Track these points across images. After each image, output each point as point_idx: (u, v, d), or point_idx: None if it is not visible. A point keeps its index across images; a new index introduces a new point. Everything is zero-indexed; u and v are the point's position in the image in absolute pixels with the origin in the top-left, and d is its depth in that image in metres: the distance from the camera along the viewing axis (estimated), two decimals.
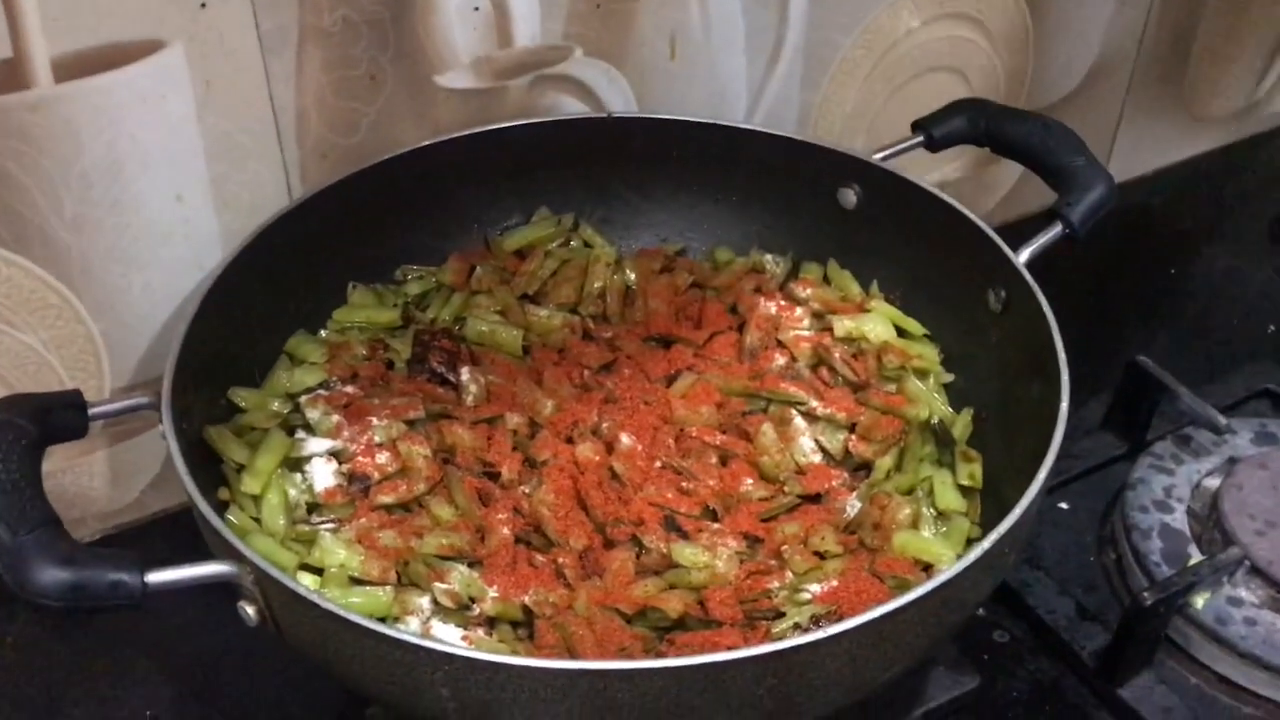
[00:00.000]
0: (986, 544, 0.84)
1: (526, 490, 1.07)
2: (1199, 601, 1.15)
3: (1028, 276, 1.08)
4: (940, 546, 1.01)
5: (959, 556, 1.00)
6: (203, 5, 1.03)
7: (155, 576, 0.81)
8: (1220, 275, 1.71)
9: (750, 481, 1.10)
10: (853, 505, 1.08)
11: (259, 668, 1.14)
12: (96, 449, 1.22)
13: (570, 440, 1.12)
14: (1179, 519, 1.24)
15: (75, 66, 1.02)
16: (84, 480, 1.23)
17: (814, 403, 1.15)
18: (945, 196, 1.17)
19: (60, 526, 0.82)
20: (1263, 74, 1.88)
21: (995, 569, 0.88)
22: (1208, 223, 1.80)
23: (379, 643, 0.79)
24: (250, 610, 0.85)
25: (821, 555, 1.03)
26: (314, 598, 0.80)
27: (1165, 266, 1.72)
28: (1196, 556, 1.19)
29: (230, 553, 0.84)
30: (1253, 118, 1.92)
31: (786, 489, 1.10)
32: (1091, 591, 1.24)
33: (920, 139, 1.25)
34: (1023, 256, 1.10)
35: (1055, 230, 1.13)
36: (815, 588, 0.97)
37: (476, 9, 1.20)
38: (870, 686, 0.86)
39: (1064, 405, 0.95)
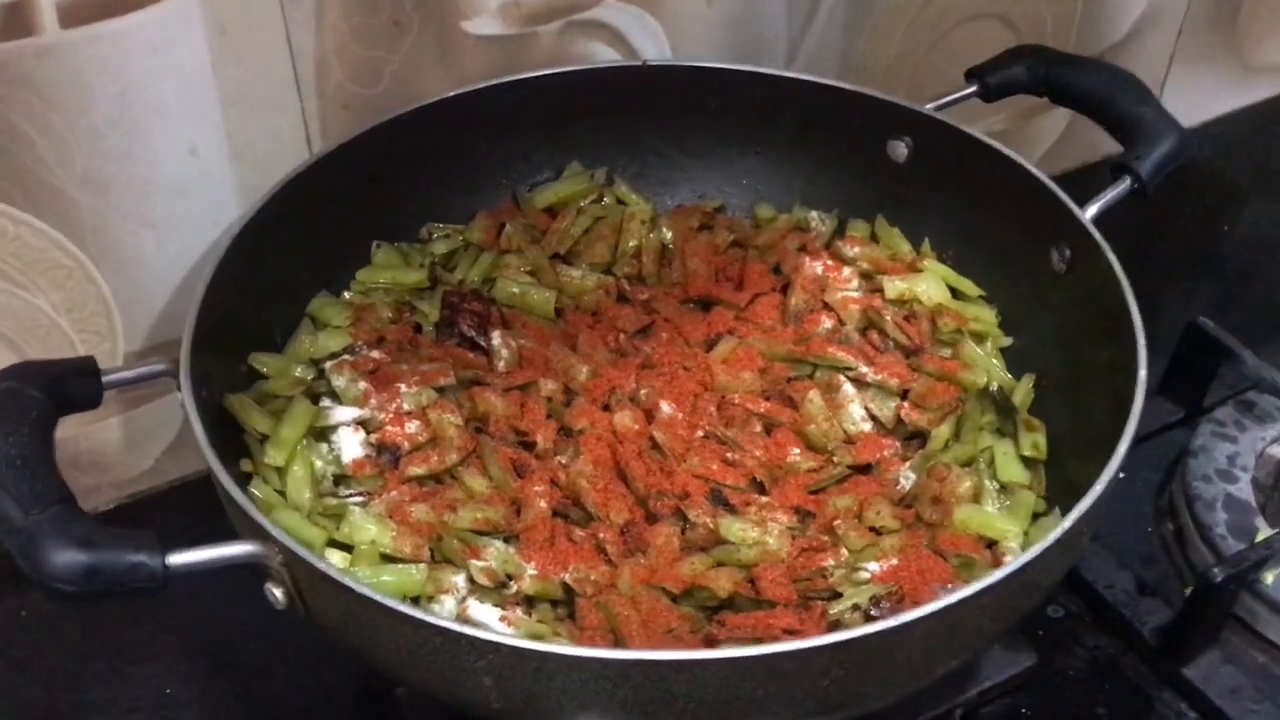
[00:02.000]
0: (1067, 523, 0.79)
1: (563, 461, 1.03)
2: (1269, 577, 1.10)
3: (1096, 234, 1.02)
4: (1005, 522, 0.96)
5: (1025, 532, 0.95)
6: None
7: (177, 558, 0.76)
8: (1276, 231, 1.63)
9: (797, 451, 1.06)
10: (907, 477, 1.04)
11: (280, 643, 1.10)
12: (111, 414, 1.18)
13: (607, 408, 1.07)
14: (1244, 489, 1.18)
15: (83, 11, 0.97)
16: (98, 446, 1.19)
17: (863, 368, 1.10)
18: (1005, 149, 1.11)
19: (75, 504, 0.77)
20: None
21: (1072, 550, 0.83)
22: (1261, 176, 1.72)
23: (417, 629, 0.74)
24: (278, 593, 0.80)
25: (877, 531, 0.98)
26: (347, 580, 0.75)
27: (1217, 222, 1.65)
28: (1264, 529, 1.14)
29: (256, 532, 0.79)
30: None
31: (835, 459, 1.05)
32: (1151, 565, 1.19)
33: (974, 88, 1.19)
34: (1089, 213, 1.04)
35: (1123, 185, 1.07)
36: (874, 566, 0.92)
37: None
38: (936, 674, 0.81)
39: (1142, 374, 0.89)
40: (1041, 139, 1.66)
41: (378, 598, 0.74)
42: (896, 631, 0.72)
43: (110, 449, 1.20)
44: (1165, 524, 1.22)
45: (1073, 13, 1.56)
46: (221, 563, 0.78)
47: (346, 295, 1.15)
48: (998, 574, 0.75)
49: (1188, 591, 1.13)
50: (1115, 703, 1.07)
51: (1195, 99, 1.77)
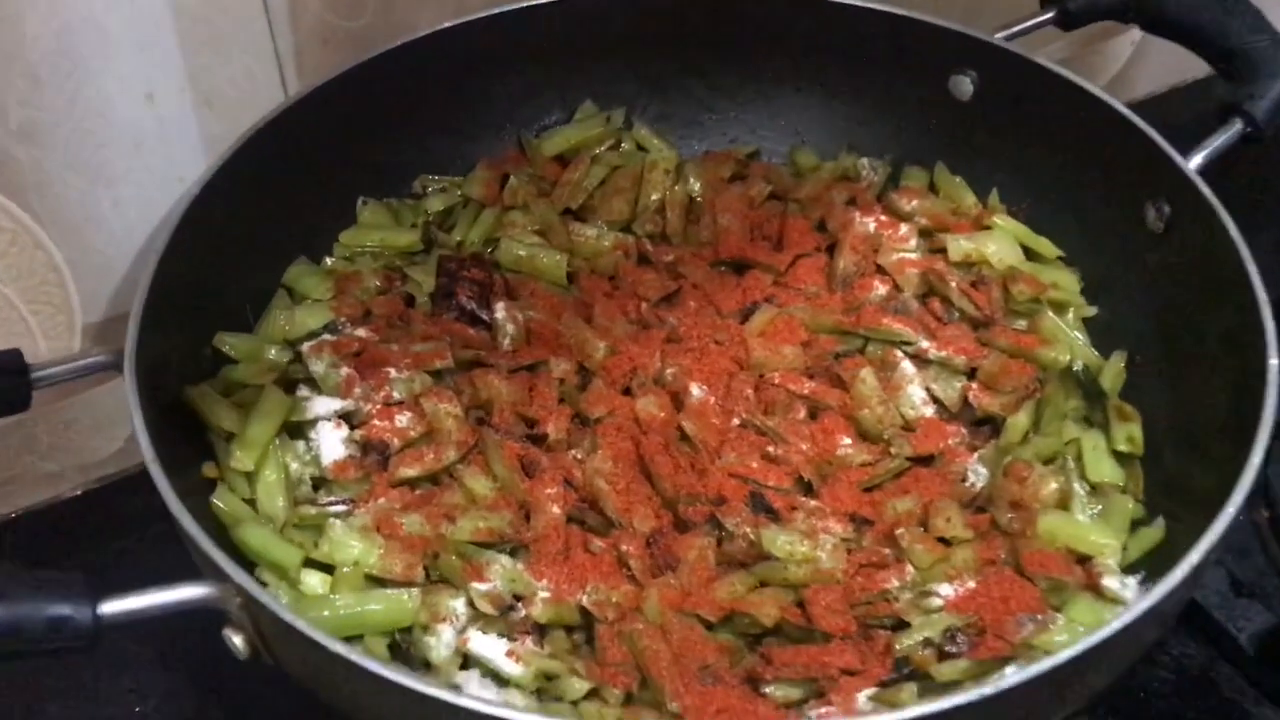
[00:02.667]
0: (1195, 556, 0.66)
1: (578, 455, 0.92)
2: None
3: (1204, 188, 0.91)
4: (1100, 534, 0.84)
5: (1123, 546, 0.82)
6: None
7: (112, 607, 0.64)
8: None
9: (848, 442, 0.94)
10: (976, 471, 0.92)
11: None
12: (74, 392, 1.08)
13: (628, 391, 0.96)
14: None
15: None
16: (59, 429, 1.10)
17: (924, 342, 0.99)
18: (1091, 87, 0.99)
19: None
20: None
21: (1198, 581, 0.70)
22: None
23: (409, 699, 0.62)
24: (238, 640, 0.69)
25: (946, 541, 0.86)
26: (322, 638, 0.63)
27: None
28: None
29: (211, 569, 0.66)
30: None
31: (893, 449, 0.94)
32: (1246, 560, 1.06)
33: (1051, 15, 1.07)
34: (1194, 162, 0.92)
35: (1234, 129, 0.95)
36: (946, 589, 0.81)
37: None
38: None
39: (1274, 360, 0.76)
40: (1105, 68, 1.52)
41: (360, 661, 0.62)
42: (996, 699, 0.60)
43: (73, 431, 1.11)
44: (1260, 509, 1.09)
45: None
46: (169, 609, 0.66)
47: (328, 262, 1.05)
48: (1117, 622, 0.63)
49: None
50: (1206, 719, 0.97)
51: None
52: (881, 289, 1.03)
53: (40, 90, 0.93)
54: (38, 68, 0.92)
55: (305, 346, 0.95)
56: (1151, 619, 0.65)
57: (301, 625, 0.63)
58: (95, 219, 1.01)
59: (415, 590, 0.81)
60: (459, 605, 0.81)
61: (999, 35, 1.05)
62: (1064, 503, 0.87)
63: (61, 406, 1.08)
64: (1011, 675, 0.60)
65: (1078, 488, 0.88)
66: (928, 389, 0.97)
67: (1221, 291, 0.86)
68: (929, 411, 0.96)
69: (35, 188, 0.97)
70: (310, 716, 0.96)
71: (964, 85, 1.07)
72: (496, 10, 1.07)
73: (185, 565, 0.74)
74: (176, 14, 0.96)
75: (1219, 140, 0.94)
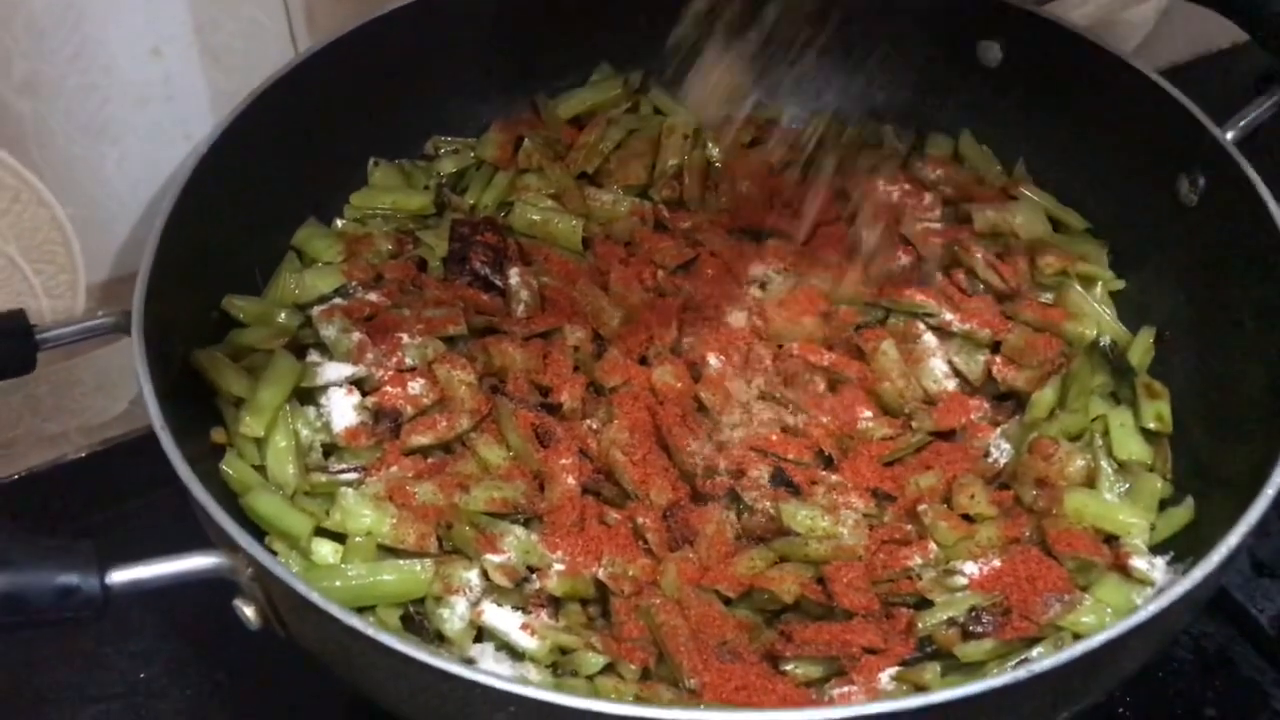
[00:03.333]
0: (1233, 539, 0.64)
1: (593, 425, 0.90)
2: None
3: (1242, 161, 0.88)
4: (1128, 513, 0.82)
5: (1152, 525, 0.80)
6: None
7: (120, 576, 0.63)
8: None
9: (868, 414, 0.93)
10: (999, 446, 0.90)
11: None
12: (78, 353, 1.06)
13: (644, 361, 0.94)
14: None
15: None
16: (62, 389, 1.08)
17: (947, 314, 0.97)
18: (1123, 53, 0.97)
19: None
20: None
21: (1233, 565, 0.68)
22: None
23: (423, 672, 0.61)
24: (249, 611, 0.67)
25: (970, 518, 0.84)
26: (334, 610, 0.62)
27: None
28: None
29: (222, 538, 0.65)
30: None
31: (914, 423, 0.92)
32: (1265, 538, 1.05)
33: None
34: (1231, 133, 0.90)
35: (1273, 99, 0.93)
36: (970, 568, 0.79)
37: None
38: (1063, 717, 0.67)
39: None
40: (1129, 35, 1.49)
41: (372, 633, 0.61)
42: (1028, 683, 0.58)
43: (77, 392, 1.09)
44: None
45: None
46: (178, 579, 0.64)
47: (339, 224, 1.03)
48: (1153, 606, 0.62)
49: None
50: (1226, 701, 0.96)
51: None
52: (904, 259, 1.01)
53: (43, 42, 0.91)
54: (41, 19, 0.90)
55: (316, 311, 0.94)
56: (1186, 603, 0.63)
57: (316, 598, 0.61)
58: (99, 176, 1.00)
59: (428, 561, 0.79)
60: (473, 577, 0.79)
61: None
62: (1090, 481, 0.85)
63: (65, 367, 1.06)
64: (1044, 659, 0.59)
65: (1105, 465, 0.86)
66: (950, 362, 0.95)
67: (1257, 266, 0.84)
68: (951, 385, 0.94)
69: (38, 143, 0.95)
70: (313, 682, 0.95)
71: (992, 51, 1.05)
72: None
73: (192, 530, 0.73)
74: None
75: (1255, 111, 0.91)
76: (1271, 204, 0.84)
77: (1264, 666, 0.97)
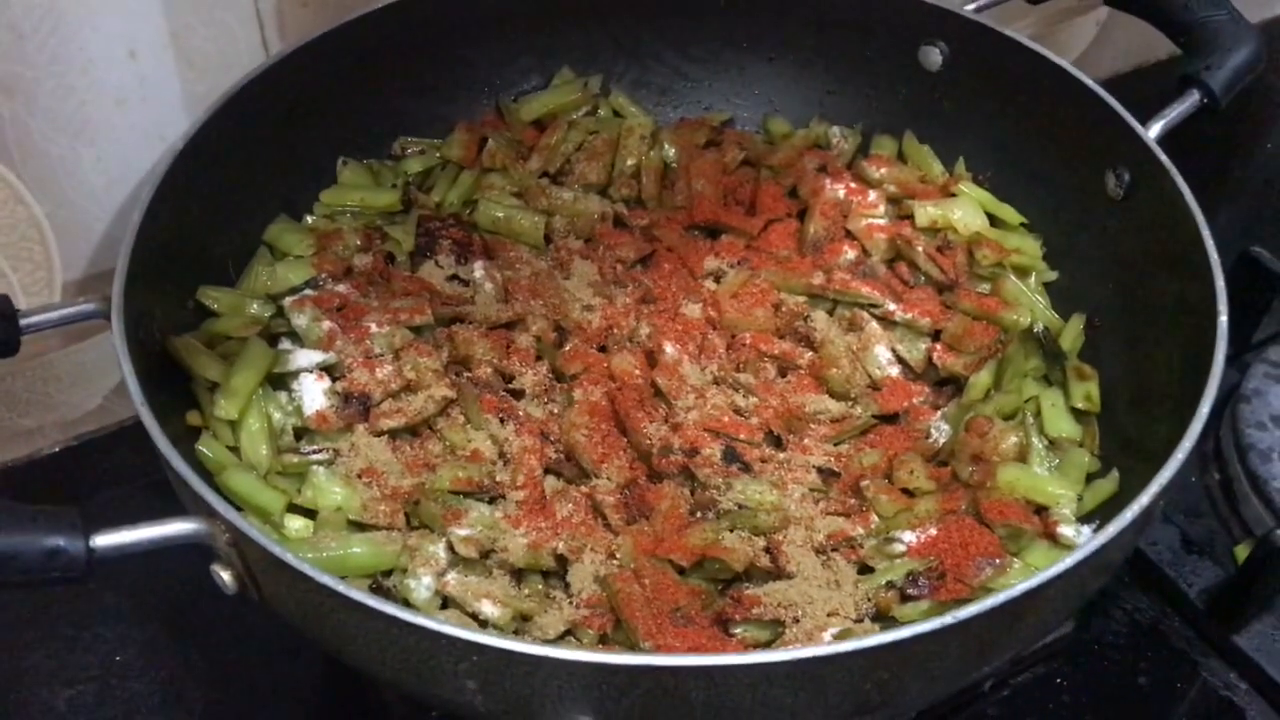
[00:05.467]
0: (1145, 498, 0.68)
1: (554, 410, 0.93)
2: None
3: (1162, 156, 0.92)
4: (1056, 485, 0.86)
5: (1079, 496, 0.84)
6: None
7: (105, 539, 0.65)
8: None
9: (815, 399, 0.96)
10: (938, 428, 0.94)
11: (242, 603, 0.98)
12: (52, 349, 1.08)
13: (604, 349, 0.97)
14: None
15: None
16: (38, 384, 1.09)
17: (891, 305, 1.01)
18: (1056, 58, 1.00)
19: None
20: None
21: (1147, 526, 0.73)
22: None
23: (389, 626, 0.64)
24: (226, 576, 0.70)
25: (910, 493, 0.88)
26: (306, 568, 0.64)
27: (1259, 139, 1.52)
28: None
29: (200, 506, 0.68)
30: None
31: (859, 407, 0.95)
32: (1196, 519, 1.09)
33: None
34: (1153, 131, 0.94)
35: (1191, 99, 0.96)
36: (909, 536, 0.83)
37: None
38: (989, 668, 0.71)
39: (1223, 319, 0.79)
40: (1072, 45, 1.54)
41: (343, 590, 0.64)
42: (953, 629, 0.62)
43: (52, 387, 1.10)
44: (1212, 474, 1.12)
45: None
46: (159, 543, 0.67)
47: (309, 220, 1.05)
48: (1069, 560, 0.65)
49: (1239, 550, 1.03)
50: (1158, 671, 0.99)
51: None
52: (850, 253, 1.04)
53: (22, 44, 0.92)
54: (20, 22, 0.91)
55: (287, 301, 0.95)
56: (1100, 559, 0.67)
57: (289, 558, 0.64)
58: (76, 175, 1.01)
59: (397, 534, 0.82)
60: (439, 550, 0.82)
61: (968, 7, 1.06)
62: (1023, 456, 0.89)
63: (42, 363, 1.07)
64: (968, 609, 0.62)
65: (1036, 442, 0.89)
66: (894, 350, 0.99)
67: (1177, 255, 0.88)
68: (894, 371, 0.98)
69: (16, 143, 0.96)
70: (283, 661, 0.98)
71: (933, 56, 1.08)
72: None
73: (165, 516, 0.74)
74: None
75: (1176, 110, 0.95)
76: (1188, 196, 0.88)
77: (1193, 638, 1.01)
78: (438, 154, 1.10)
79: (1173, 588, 1.02)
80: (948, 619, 0.61)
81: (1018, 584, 0.64)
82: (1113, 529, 0.66)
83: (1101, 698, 0.96)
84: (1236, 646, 0.99)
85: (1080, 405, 0.93)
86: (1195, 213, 0.87)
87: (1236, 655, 0.99)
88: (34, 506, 0.65)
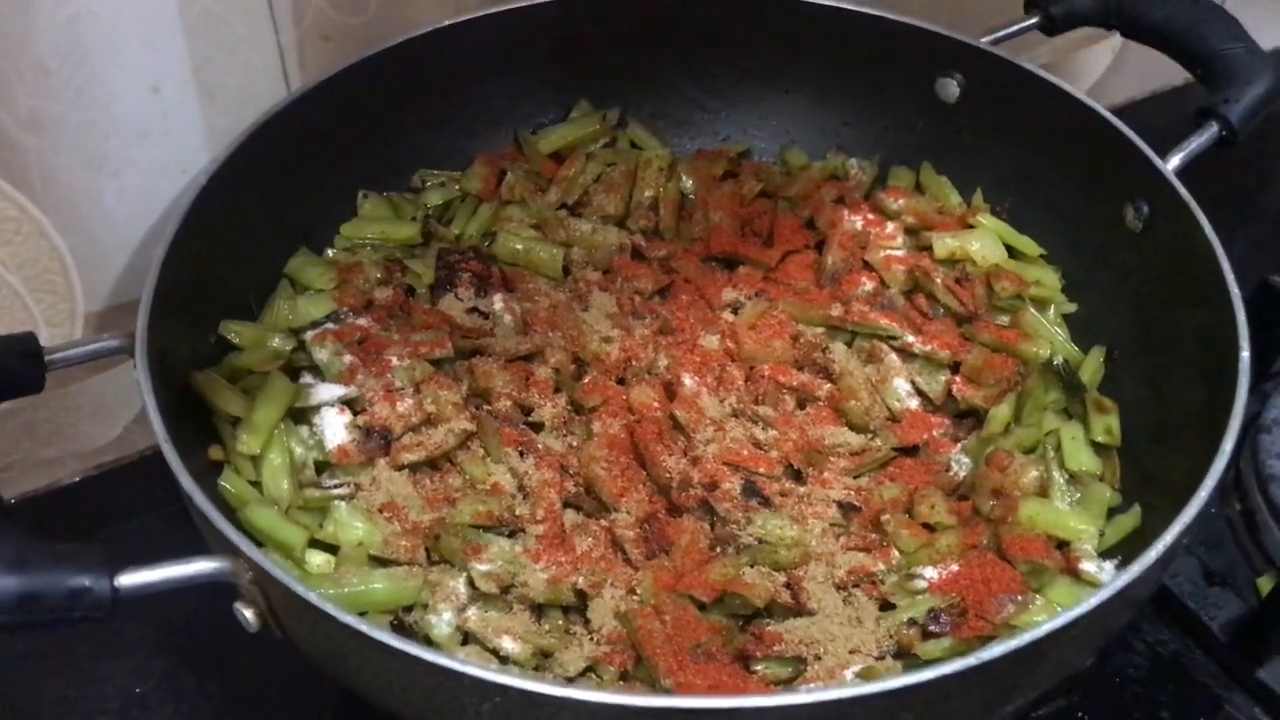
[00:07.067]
0: (1169, 537, 0.68)
1: (573, 442, 0.93)
2: None
3: (1181, 189, 0.92)
4: (1078, 520, 0.86)
5: (1101, 532, 0.84)
6: None
7: (128, 579, 0.66)
8: None
9: (835, 431, 0.96)
10: (959, 461, 0.94)
11: (262, 636, 0.99)
12: (73, 380, 1.08)
13: (622, 381, 0.97)
14: None
15: None
16: (59, 415, 1.10)
17: (910, 337, 1.01)
18: (1074, 90, 1.01)
19: (5, 515, 0.66)
20: None
21: (1171, 562, 0.72)
22: None
23: (414, 666, 0.64)
24: (249, 614, 0.70)
25: (930, 528, 0.88)
26: (329, 607, 0.65)
27: (1274, 167, 1.52)
28: None
29: (223, 545, 0.68)
30: None
31: (879, 440, 0.95)
32: (1216, 550, 1.08)
33: (1036, 19, 1.08)
34: (1172, 164, 0.94)
35: (1210, 132, 0.97)
36: (930, 572, 0.83)
37: None
38: (1012, 707, 0.71)
39: (1244, 353, 0.78)
40: (1087, 73, 1.54)
41: (366, 630, 0.64)
42: (977, 670, 0.62)
43: (72, 417, 1.10)
44: (1233, 504, 1.11)
45: None
46: (183, 583, 0.68)
47: (330, 253, 1.05)
48: (1095, 597, 0.65)
49: (1262, 583, 1.03)
50: (1180, 705, 0.99)
51: (1264, 25, 1.64)
52: (868, 285, 1.04)
53: (48, 81, 0.93)
54: (46, 59, 0.92)
55: (309, 335, 0.96)
56: (1125, 597, 0.67)
57: (313, 598, 0.65)
58: (99, 209, 1.01)
59: (417, 569, 0.82)
60: (460, 585, 0.82)
61: (984, 39, 1.06)
62: (1044, 490, 0.89)
63: (64, 394, 1.07)
64: (991, 648, 0.62)
65: (1057, 476, 0.89)
66: (913, 382, 0.99)
67: (1197, 288, 0.88)
68: (914, 404, 0.98)
69: (41, 177, 0.97)
70: (304, 696, 0.98)
71: (950, 88, 1.08)
72: (495, 9, 1.07)
73: (184, 548, 0.74)
74: (183, 9, 0.96)
75: (1195, 143, 0.95)
76: (1208, 229, 0.88)
77: (1216, 672, 1.00)
78: (457, 187, 1.11)
79: (1195, 620, 1.02)
80: (971, 660, 0.61)
81: (1043, 623, 0.64)
82: (1137, 568, 0.66)
83: None
84: (1260, 681, 0.98)
85: (1101, 439, 0.92)
86: (1216, 246, 0.87)
87: (1260, 690, 0.98)
88: (58, 545, 0.65)
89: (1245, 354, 0.79)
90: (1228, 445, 0.73)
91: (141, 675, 0.99)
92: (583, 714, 0.62)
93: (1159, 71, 1.53)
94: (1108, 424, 0.92)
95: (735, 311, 1.04)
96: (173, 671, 0.99)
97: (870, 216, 1.08)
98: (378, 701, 0.72)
